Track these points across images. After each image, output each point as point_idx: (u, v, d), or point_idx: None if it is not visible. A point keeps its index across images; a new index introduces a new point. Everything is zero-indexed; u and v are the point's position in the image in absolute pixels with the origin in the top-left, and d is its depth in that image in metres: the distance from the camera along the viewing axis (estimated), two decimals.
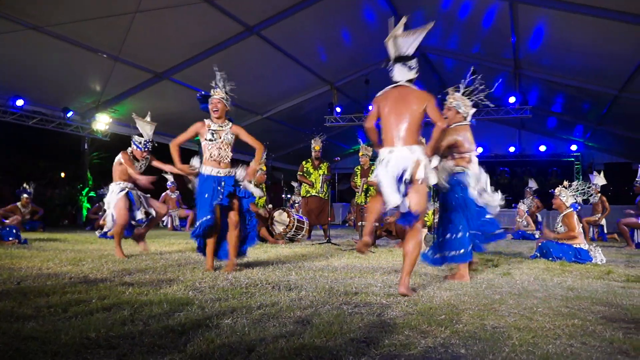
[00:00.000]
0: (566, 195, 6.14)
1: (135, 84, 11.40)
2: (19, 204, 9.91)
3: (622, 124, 13.42)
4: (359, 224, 7.35)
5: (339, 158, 10.29)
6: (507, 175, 20.20)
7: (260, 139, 10.73)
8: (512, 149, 17.89)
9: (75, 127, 12.17)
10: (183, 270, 4.20)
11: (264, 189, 8.45)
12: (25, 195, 9.98)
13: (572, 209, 6.05)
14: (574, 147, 17.39)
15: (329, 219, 8.54)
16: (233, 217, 4.29)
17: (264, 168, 8.43)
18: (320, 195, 8.71)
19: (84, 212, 13.18)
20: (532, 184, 12.55)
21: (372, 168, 8.49)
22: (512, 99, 12.67)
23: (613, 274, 4.64)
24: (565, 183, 6.35)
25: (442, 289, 3.52)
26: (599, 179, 10.16)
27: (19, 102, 10.45)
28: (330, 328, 2.29)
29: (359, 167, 8.66)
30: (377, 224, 7.54)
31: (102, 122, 12.05)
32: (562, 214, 6.11)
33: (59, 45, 9.16)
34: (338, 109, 14.47)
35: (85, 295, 2.96)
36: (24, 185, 10.08)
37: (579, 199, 6.23)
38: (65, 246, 6.36)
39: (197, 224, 4.18)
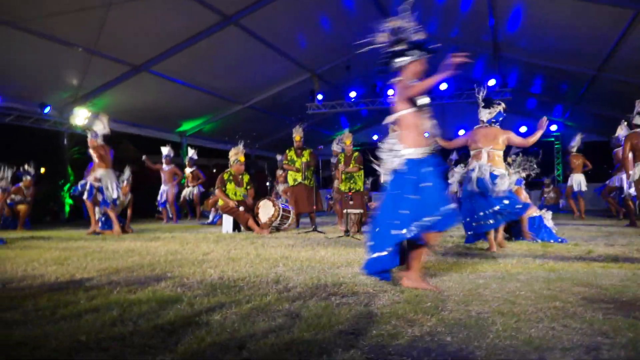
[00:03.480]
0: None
1: (113, 77, 11.22)
2: (21, 184, 9.81)
3: (600, 103, 13.63)
4: (344, 211, 7.39)
5: (322, 146, 10.27)
6: None
7: (243, 129, 10.69)
8: None
9: (53, 123, 11.97)
10: (171, 266, 4.20)
11: (247, 180, 8.44)
12: (28, 177, 9.86)
13: (517, 186, 6.08)
14: (553, 127, 17.60)
15: (315, 206, 8.56)
16: None
17: (242, 159, 8.41)
18: (306, 182, 8.73)
19: (67, 208, 13.03)
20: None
21: (354, 155, 8.53)
22: (492, 82, 12.77)
23: (593, 253, 4.76)
24: (509, 159, 6.36)
25: (428, 275, 3.58)
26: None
27: None
28: (318, 321, 2.33)
29: (342, 155, 8.68)
30: (362, 211, 7.60)
31: (81, 117, 11.86)
32: None
33: (33, 40, 8.95)
34: (320, 96, 14.45)
35: (73, 296, 2.96)
36: (25, 166, 9.93)
37: (523, 174, 6.24)
38: (49, 244, 6.30)
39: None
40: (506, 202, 5.15)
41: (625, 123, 8.03)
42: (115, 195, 7.87)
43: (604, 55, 10.27)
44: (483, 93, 5.81)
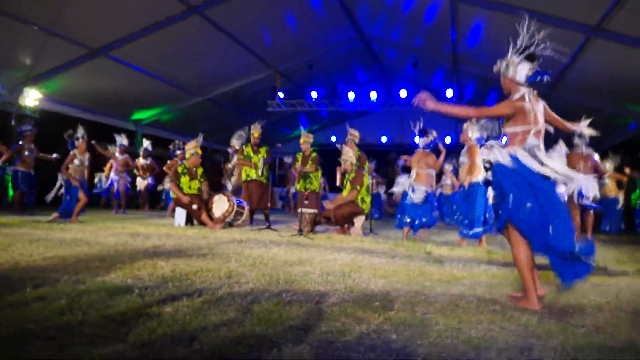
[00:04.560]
0: (472, 130, 6.52)
1: (69, 59, 10.86)
2: None
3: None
4: (299, 210, 7.45)
5: (280, 145, 10.21)
6: (442, 165, 21.04)
7: (202, 121, 10.59)
8: (448, 140, 18.55)
9: (2, 103, 11.45)
10: (121, 256, 4.14)
11: (201, 172, 8.36)
12: None
13: (476, 143, 6.48)
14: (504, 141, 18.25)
15: (269, 204, 8.57)
16: None
17: (199, 152, 8.34)
18: (261, 179, 8.73)
19: (10, 192, 12.49)
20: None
21: (312, 155, 8.59)
22: (449, 92, 13.15)
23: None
24: (474, 119, 6.68)
25: (378, 276, 3.69)
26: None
27: None
28: (270, 316, 2.38)
29: (300, 154, 8.73)
30: (316, 211, 7.69)
31: (31, 98, 11.42)
32: (467, 146, 6.57)
33: None
34: (281, 94, 14.47)
35: (19, 283, 2.88)
36: None
37: (485, 134, 6.51)
38: None
39: None
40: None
41: (563, 143, 8.48)
42: None
43: (555, 76, 10.79)
44: (420, 125, 7.45)
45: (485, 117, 3.35)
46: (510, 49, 3.37)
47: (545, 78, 3.29)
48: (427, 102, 3.28)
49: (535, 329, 2.40)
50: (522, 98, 3.20)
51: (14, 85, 11.14)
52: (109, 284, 2.96)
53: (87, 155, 8.27)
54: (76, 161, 8.08)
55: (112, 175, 11.67)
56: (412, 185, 7.16)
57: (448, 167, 11.69)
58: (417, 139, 7.43)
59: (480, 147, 6.28)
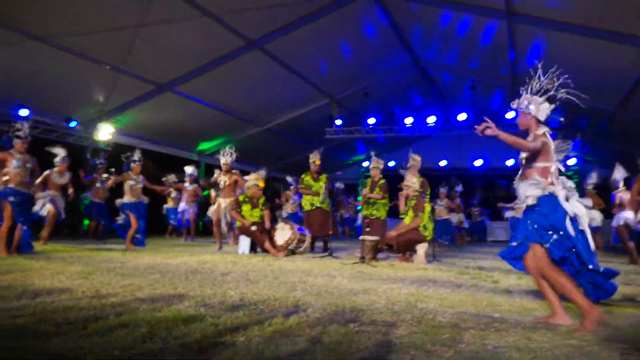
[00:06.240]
0: None
1: (138, 95, 11.56)
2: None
3: (620, 139, 13.62)
4: (360, 238, 7.45)
5: (340, 172, 10.26)
6: (504, 189, 20.42)
7: (261, 150, 10.88)
8: (510, 162, 18.04)
9: (78, 137, 12.28)
10: (191, 284, 4.30)
11: (262, 201, 8.55)
12: None
13: None
14: (571, 162, 17.53)
15: (330, 231, 8.61)
16: None
17: (261, 184, 8.55)
18: (323, 206, 8.77)
19: (85, 221, 13.25)
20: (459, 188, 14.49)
21: (380, 182, 8.49)
22: (510, 114, 12.85)
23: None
24: None
25: (444, 306, 3.63)
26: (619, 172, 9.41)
27: (23, 112, 10.44)
28: (339, 347, 2.40)
29: (369, 180, 8.69)
30: (378, 238, 7.65)
31: (105, 132, 12.18)
32: None
33: (62, 56, 9.29)
34: (338, 122, 14.64)
35: (101, 311, 3.07)
36: None
37: (562, 156, 6.26)
38: (71, 258, 6.45)
39: None
40: None
41: (621, 166, 8.29)
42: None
43: (624, 93, 10.34)
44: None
45: (528, 150, 3.40)
46: (529, 89, 3.64)
47: (560, 119, 3.76)
48: (487, 130, 3.41)
49: None
50: (545, 134, 3.45)
51: (88, 120, 11.93)
52: (183, 312, 3.09)
53: (141, 177, 8.74)
54: (131, 182, 8.56)
55: (183, 205, 12.21)
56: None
57: None
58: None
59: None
